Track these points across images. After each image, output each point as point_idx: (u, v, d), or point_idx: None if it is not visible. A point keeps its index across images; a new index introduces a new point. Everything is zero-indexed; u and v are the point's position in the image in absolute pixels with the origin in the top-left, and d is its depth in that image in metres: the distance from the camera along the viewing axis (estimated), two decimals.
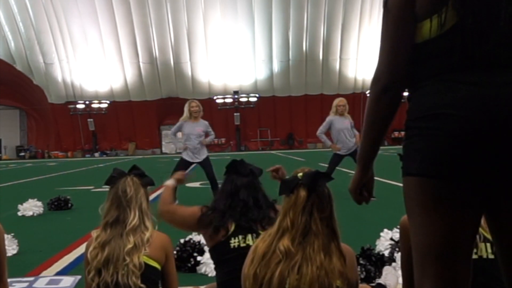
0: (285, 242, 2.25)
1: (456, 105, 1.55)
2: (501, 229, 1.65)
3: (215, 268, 2.99)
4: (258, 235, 2.66)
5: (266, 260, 2.26)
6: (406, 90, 1.73)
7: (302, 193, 2.27)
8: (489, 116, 1.52)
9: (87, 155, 44.81)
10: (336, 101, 9.65)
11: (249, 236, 2.82)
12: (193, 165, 9.65)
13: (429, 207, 1.61)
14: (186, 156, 9.20)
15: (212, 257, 2.99)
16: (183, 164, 9.23)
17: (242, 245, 2.79)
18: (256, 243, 2.38)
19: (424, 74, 1.65)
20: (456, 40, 1.59)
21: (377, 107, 1.74)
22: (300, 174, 2.33)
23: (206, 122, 9.47)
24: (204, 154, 9.24)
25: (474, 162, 1.54)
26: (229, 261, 2.78)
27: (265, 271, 2.25)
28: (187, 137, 9.16)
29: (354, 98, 42.56)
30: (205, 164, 9.23)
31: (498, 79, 1.55)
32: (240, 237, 2.84)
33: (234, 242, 2.83)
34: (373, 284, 3.76)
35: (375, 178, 1.91)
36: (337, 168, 9.66)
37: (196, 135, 9.15)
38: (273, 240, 2.29)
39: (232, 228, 2.86)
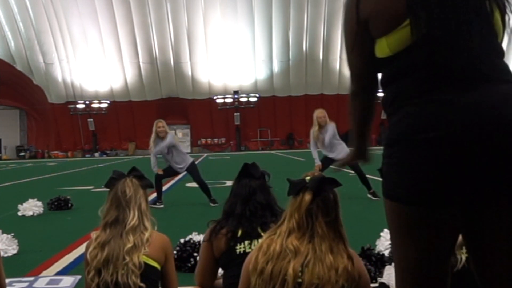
0: (293, 241, 2.28)
1: (426, 129, 1.52)
2: (484, 247, 1.61)
3: (223, 273, 2.98)
4: None
5: (279, 257, 2.28)
6: (384, 108, 1.72)
7: (307, 196, 2.30)
8: (463, 139, 1.49)
9: (87, 155, 44.80)
10: (316, 113, 9.58)
11: (255, 242, 2.80)
12: (181, 174, 10.04)
13: (403, 232, 1.62)
14: (172, 167, 9.41)
15: (219, 262, 2.97)
16: (170, 172, 9.52)
17: (248, 250, 2.77)
18: (262, 241, 2.39)
19: (397, 94, 1.63)
20: (425, 56, 1.56)
21: (351, 108, 1.91)
22: (308, 178, 2.36)
23: (172, 134, 9.65)
24: (188, 161, 9.49)
25: (446, 186, 1.52)
26: (235, 266, 2.75)
27: (278, 267, 2.26)
28: (166, 152, 9.36)
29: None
30: (192, 170, 9.51)
31: (468, 98, 1.51)
32: (246, 242, 2.82)
33: (240, 248, 2.82)
34: (376, 284, 3.76)
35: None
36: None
37: (174, 147, 9.36)
38: (283, 239, 2.31)
39: (239, 233, 2.85)
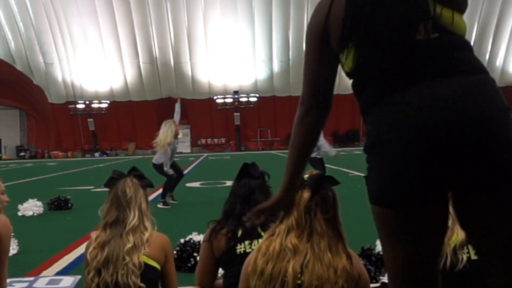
0: (292, 240, 2.28)
1: (385, 133, 1.57)
2: (481, 232, 1.61)
3: (223, 273, 2.98)
4: None
5: (279, 257, 2.28)
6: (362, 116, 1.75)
7: (306, 194, 2.31)
8: (419, 138, 1.52)
9: (87, 155, 44.78)
10: None
11: (255, 241, 2.80)
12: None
13: (390, 234, 1.66)
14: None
15: (219, 262, 2.97)
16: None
17: (248, 250, 2.77)
18: (261, 243, 2.39)
19: (364, 105, 1.69)
20: (375, 70, 1.62)
21: (299, 127, 1.87)
22: (306, 176, 2.36)
23: (171, 122, 9.88)
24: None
25: (420, 185, 1.54)
26: (235, 266, 2.76)
27: (278, 268, 2.26)
28: (173, 151, 9.61)
29: (354, 98, 42.83)
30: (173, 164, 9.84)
31: (418, 95, 1.54)
32: (247, 242, 2.83)
33: (240, 248, 2.83)
34: (376, 284, 3.76)
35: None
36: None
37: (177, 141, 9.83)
38: (282, 238, 2.31)
39: (239, 233, 2.85)
